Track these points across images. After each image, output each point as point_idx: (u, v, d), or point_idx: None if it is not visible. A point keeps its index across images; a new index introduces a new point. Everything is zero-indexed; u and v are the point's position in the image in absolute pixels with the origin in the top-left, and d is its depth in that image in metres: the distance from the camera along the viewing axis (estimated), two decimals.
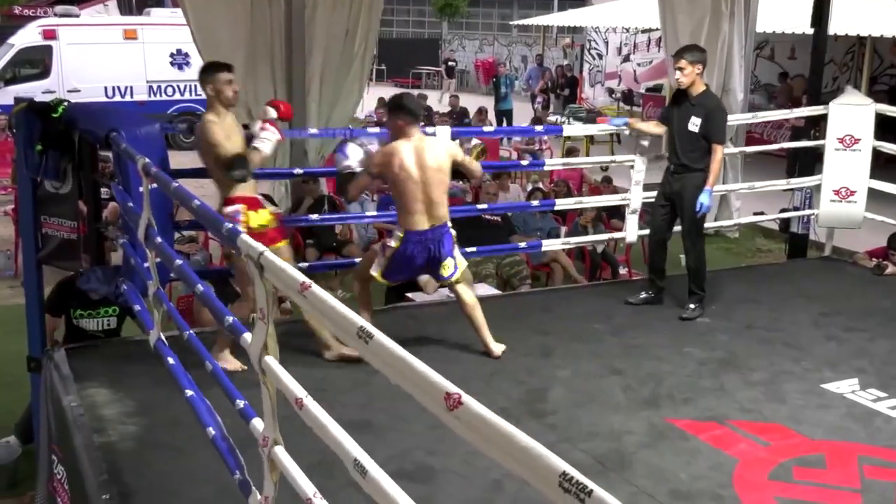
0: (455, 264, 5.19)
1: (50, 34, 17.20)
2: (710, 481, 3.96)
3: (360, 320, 2.08)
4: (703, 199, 6.01)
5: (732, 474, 4.02)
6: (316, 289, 2.29)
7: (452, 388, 1.76)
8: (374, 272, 5.11)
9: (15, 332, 6.25)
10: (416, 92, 20.53)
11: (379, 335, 2.00)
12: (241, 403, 3.13)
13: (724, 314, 6.24)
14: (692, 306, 6.14)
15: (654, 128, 6.57)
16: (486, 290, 7.54)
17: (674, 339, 5.71)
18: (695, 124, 5.99)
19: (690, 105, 6.04)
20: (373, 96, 17.44)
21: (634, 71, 24.27)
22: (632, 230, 6.99)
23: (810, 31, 8.67)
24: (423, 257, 4.99)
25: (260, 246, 2.63)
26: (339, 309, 2.17)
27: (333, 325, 2.22)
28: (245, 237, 2.77)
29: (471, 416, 1.71)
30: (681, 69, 5.99)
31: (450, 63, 25.23)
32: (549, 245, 7.47)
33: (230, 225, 3.01)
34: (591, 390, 4.88)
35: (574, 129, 10.74)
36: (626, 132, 6.90)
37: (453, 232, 5.21)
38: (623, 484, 3.86)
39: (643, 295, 6.39)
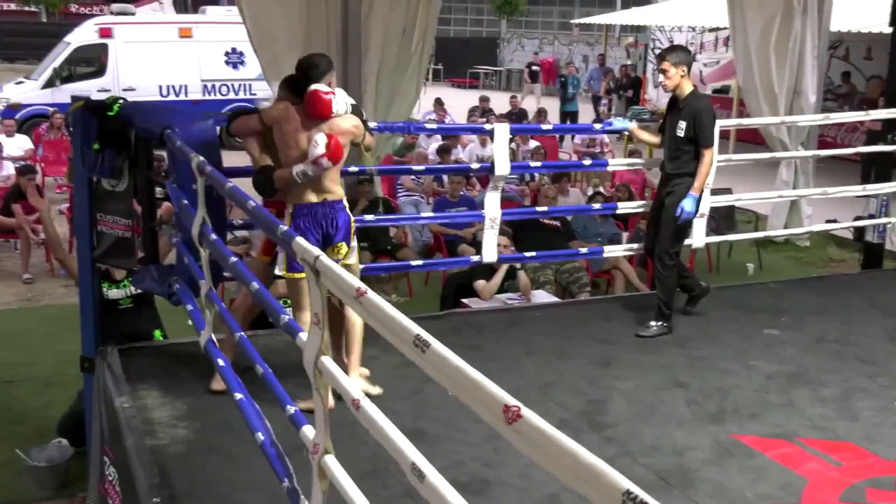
0: (351, 254, 4.64)
1: (106, 32, 17.54)
2: (778, 501, 3.89)
3: (418, 328, 2.07)
4: (686, 204, 5.79)
5: (801, 495, 3.95)
6: (372, 295, 2.29)
7: (511, 401, 1.74)
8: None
9: (69, 330, 6.38)
10: (476, 93, 20.61)
11: (436, 344, 1.99)
12: (291, 409, 3.14)
13: (794, 326, 6.13)
14: (653, 324, 5.86)
15: (653, 137, 6.40)
16: (545, 297, 7.51)
17: (741, 352, 5.62)
18: (681, 128, 5.81)
19: (678, 109, 5.88)
20: (429, 96, 17.50)
21: (700, 71, 23.98)
22: (698, 235, 6.89)
23: (888, 30, 8.49)
24: (317, 232, 4.52)
25: (316, 250, 2.64)
26: (395, 317, 2.16)
27: (389, 333, 2.21)
28: (300, 240, 2.78)
29: (530, 429, 1.69)
30: (664, 72, 5.81)
31: (534, 67, 24.95)
32: (611, 251, 7.41)
33: (286, 227, 3.03)
34: (654, 403, 4.82)
35: (621, 122, 10.63)
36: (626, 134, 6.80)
37: (350, 214, 4.67)
38: (686, 502, 3.81)
39: (687, 307, 6.26)
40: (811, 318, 6.34)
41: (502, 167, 6.09)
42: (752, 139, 16.92)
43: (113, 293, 5.67)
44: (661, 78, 5.90)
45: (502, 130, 6.18)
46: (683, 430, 4.51)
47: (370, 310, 2.28)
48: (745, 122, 9.99)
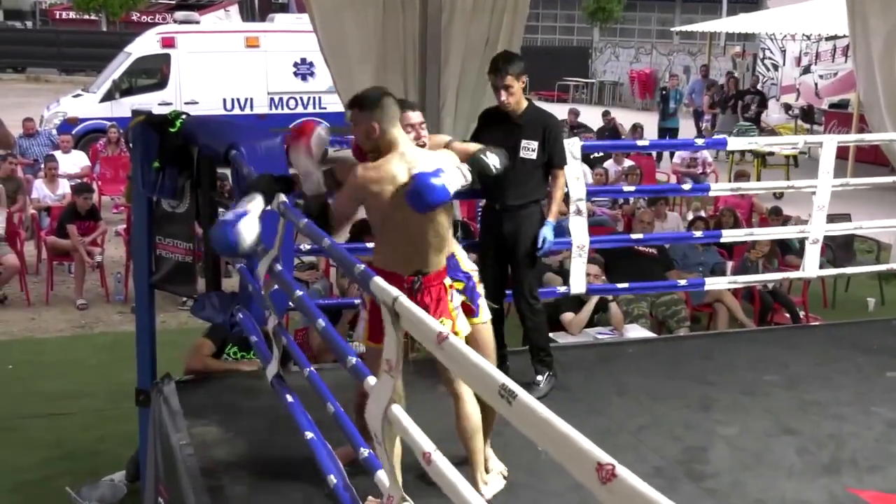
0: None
1: (168, 42, 17.97)
2: None
3: (503, 377, 2.08)
4: (547, 233, 5.31)
5: None
6: (454, 339, 2.31)
7: (605, 458, 1.74)
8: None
9: (123, 360, 6.54)
10: (566, 106, 20.57)
11: (523, 394, 2.00)
12: (365, 452, 3.18)
13: None
14: (541, 378, 5.23)
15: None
16: (639, 332, 7.46)
17: (859, 396, 5.50)
18: (530, 149, 5.24)
19: (516, 126, 5.25)
20: None
21: (816, 84, 23.66)
22: (811, 265, 6.78)
23: None
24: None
25: (395, 290, 2.67)
26: (479, 364, 2.18)
27: (472, 381, 2.23)
28: (378, 280, 2.81)
29: (627, 489, 1.69)
30: (507, 88, 5.16)
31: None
32: (713, 283, 7.33)
33: (363, 266, 3.05)
34: (760, 451, 4.74)
35: (739, 141, 10.50)
36: None
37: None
38: None
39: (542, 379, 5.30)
40: None
41: (576, 188, 6.07)
42: (873, 160, 16.61)
43: (241, 366, 5.54)
44: (502, 96, 5.19)
45: (572, 146, 6.13)
46: (793, 481, 4.43)
47: (452, 356, 2.31)
48: (867, 137, 9.81)
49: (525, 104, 5.31)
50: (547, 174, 5.39)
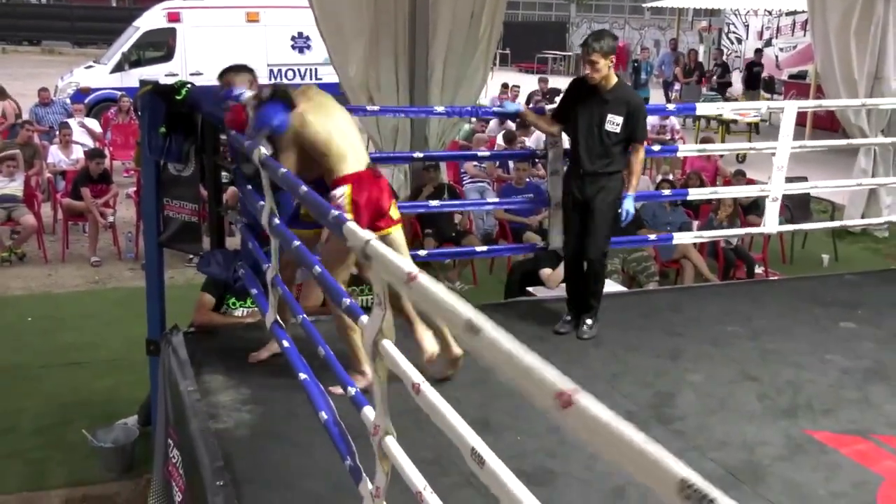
0: None
1: (174, 17, 17.81)
2: (852, 499, 3.81)
3: (470, 312, 2.06)
4: (628, 205, 5.53)
5: (877, 493, 3.86)
6: (423, 279, 2.27)
7: (565, 385, 1.72)
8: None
9: (134, 313, 6.51)
10: (539, 76, 20.45)
11: (488, 327, 1.97)
12: (352, 390, 3.17)
13: (871, 320, 6.00)
14: (590, 322, 5.53)
15: (546, 124, 5.91)
16: (612, 286, 7.44)
17: (815, 346, 5.52)
18: (614, 123, 5.38)
19: (604, 101, 5.39)
20: (496, 81, 17.45)
21: (776, 56, 23.58)
22: (772, 221, 6.77)
23: None
24: None
25: (367, 234, 2.63)
26: (446, 301, 2.15)
27: (441, 318, 2.20)
28: (351, 225, 2.79)
29: (584, 415, 1.67)
30: (592, 64, 5.27)
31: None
32: (680, 238, 7.31)
33: (337, 212, 3.03)
34: (724, 397, 4.76)
35: (707, 107, 10.45)
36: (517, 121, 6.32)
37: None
38: (756, 499, 3.75)
39: (567, 318, 5.66)
40: (889, 312, 6.18)
41: (554, 150, 6.05)
42: (829, 126, 16.62)
43: (238, 313, 5.57)
44: (587, 70, 5.33)
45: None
46: (754, 424, 4.45)
47: (421, 294, 2.27)
48: (825, 103, 9.80)
49: (614, 81, 5.41)
50: (626, 148, 5.50)
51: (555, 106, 5.97)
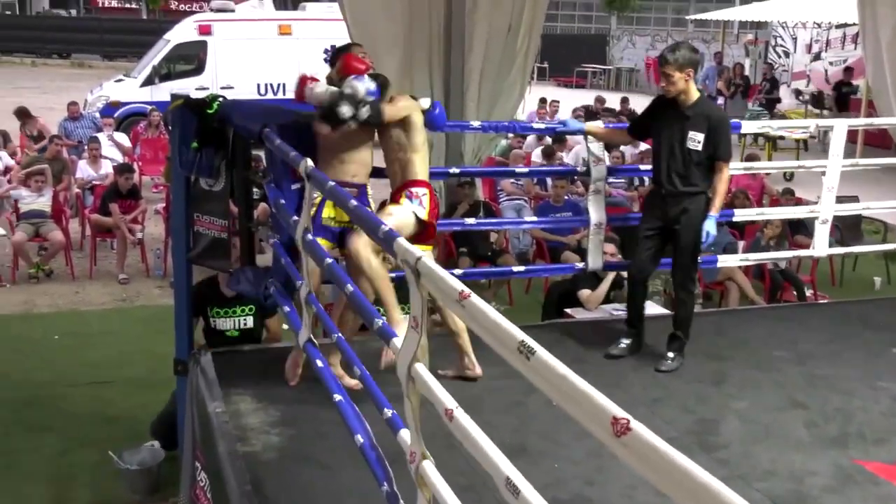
0: None
1: (205, 30, 18.01)
2: None
3: (522, 334, 2.07)
4: (710, 226, 5.37)
5: None
6: (476, 299, 2.28)
7: (620, 412, 1.72)
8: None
9: (162, 332, 6.57)
10: (584, 93, 20.41)
11: (542, 351, 1.98)
12: (388, 413, 3.17)
13: None
14: (672, 355, 5.41)
15: (620, 136, 6.02)
16: (653, 308, 7.41)
17: (866, 372, 5.45)
18: (695, 140, 5.28)
19: (685, 117, 5.32)
20: (534, 96, 17.46)
21: (826, 71, 23.40)
22: (821, 245, 6.71)
23: None
24: None
25: (418, 251, 2.65)
26: (498, 321, 2.16)
27: (492, 339, 2.20)
28: (402, 241, 2.79)
29: (640, 443, 1.67)
30: (667, 77, 5.26)
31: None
32: (725, 261, 7.26)
33: (387, 228, 3.04)
34: (770, 424, 4.71)
35: (752, 125, 10.36)
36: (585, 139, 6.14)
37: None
38: None
39: (623, 343, 5.61)
40: None
41: (597, 169, 6.04)
42: (881, 143, 16.43)
43: (221, 323, 5.84)
44: (662, 83, 5.37)
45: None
46: (802, 453, 4.40)
47: (473, 314, 2.28)
48: (876, 121, 9.69)
49: (696, 96, 5.34)
50: (711, 167, 5.38)
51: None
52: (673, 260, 5.53)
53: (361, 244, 4.32)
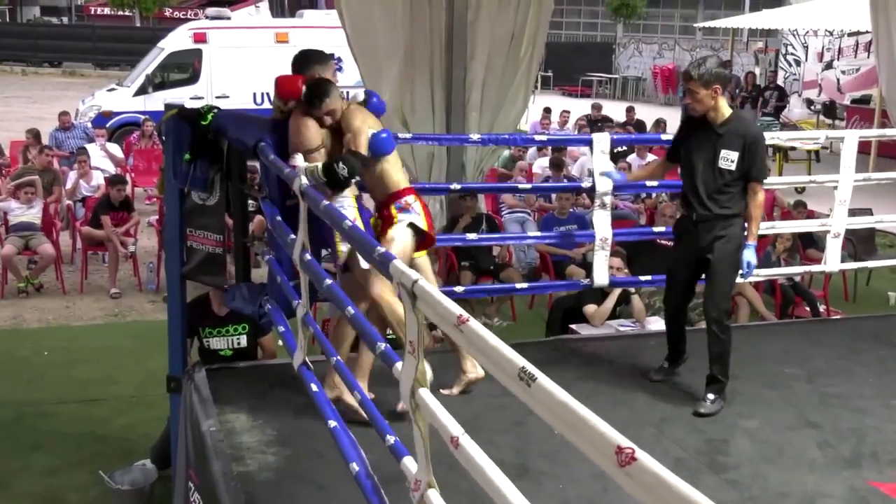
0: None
1: (200, 37, 18.05)
2: None
3: (523, 360, 2.07)
4: (749, 256, 5.15)
5: None
6: (473, 323, 2.29)
7: (624, 442, 1.72)
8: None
9: (155, 348, 6.57)
10: (590, 101, 20.45)
11: (542, 378, 1.98)
12: (391, 439, 3.17)
13: None
14: (712, 397, 5.08)
15: (661, 168, 5.84)
16: (661, 324, 7.40)
17: (880, 390, 5.45)
18: (728, 160, 5.05)
19: (716, 135, 5.09)
20: (538, 105, 17.49)
21: (838, 79, 23.46)
22: (833, 260, 6.72)
23: None
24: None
25: (414, 274, 2.66)
26: (498, 347, 2.16)
27: (492, 365, 2.21)
28: (398, 263, 2.80)
29: (645, 473, 1.67)
30: (692, 93, 5.06)
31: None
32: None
33: (383, 249, 3.05)
34: (781, 444, 4.70)
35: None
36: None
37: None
38: None
39: (664, 365, 5.51)
40: None
41: (602, 182, 6.05)
42: (895, 154, 16.45)
43: (214, 342, 5.85)
44: (687, 99, 5.23)
45: (601, 141, 6.14)
46: (815, 474, 4.39)
47: (472, 339, 2.29)
48: (889, 132, 9.70)
49: (727, 113, 5.12)
50: (745, 188, 5.14)
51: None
52: (706, 291, 5.23)
53: (385, 290, 4.39)
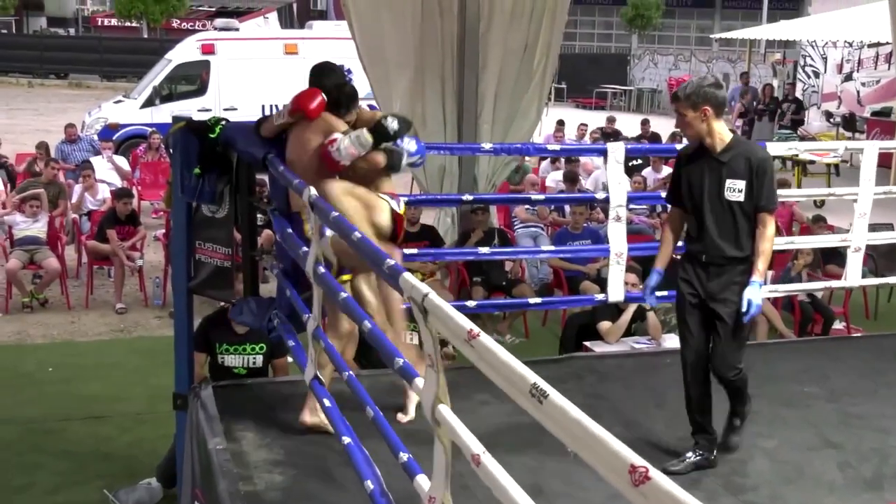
0: None
1: (208, 49, 18.10)
2: None
3: (535, 377, 2.06)
4: (752, 295, 4.52)
5: None
6: (484, 338, 2.29)
7: (638, 460, 1.71)
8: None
9: (161, 364, 6.57)
10: (604, 114, 20.42)
11: (555, 395, 1.98)
12: (404, 457, 3.17)
13: None
14: (736, 439, 4.78)
15: (676, 222, 4.95)
16: (677, 341, 7.38)
17: None
18: (735, 189, 4.54)
19: (718, 163, 4.58)
20: (551, 118, 17.49)
21: (858, 91, 23.41)
22: (854, 275, 6.69)
23: None
24: None
25: (425, 287, 2.66)
26: (510, 363, 2.16)
27: (503, 381, 2.20)
28: (408, 276, 2.80)
29: (659, 493, 1.66)
30: (681, 116, 4.61)
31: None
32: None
33: (393, 262, 3.04)
34: (801, 465, 4.68)
35: (779, 147, 10.36)
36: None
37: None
38: None
39: (691, 458, 4.62)
40: None
41: (616, 193, 6.03)
42: None
43: (230, 360, 5.86)
44: (677, 125, 4.87)
45: (615, 150, 6.13)
46: (835, 496, 4.37)
47: (483, 354, 2.28)
48: None
49: (727, 138, 4.61)
50: (755, 220, 4.61)
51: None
52: (714, 349, 4.68)
53: (347, 332, 4.61)
